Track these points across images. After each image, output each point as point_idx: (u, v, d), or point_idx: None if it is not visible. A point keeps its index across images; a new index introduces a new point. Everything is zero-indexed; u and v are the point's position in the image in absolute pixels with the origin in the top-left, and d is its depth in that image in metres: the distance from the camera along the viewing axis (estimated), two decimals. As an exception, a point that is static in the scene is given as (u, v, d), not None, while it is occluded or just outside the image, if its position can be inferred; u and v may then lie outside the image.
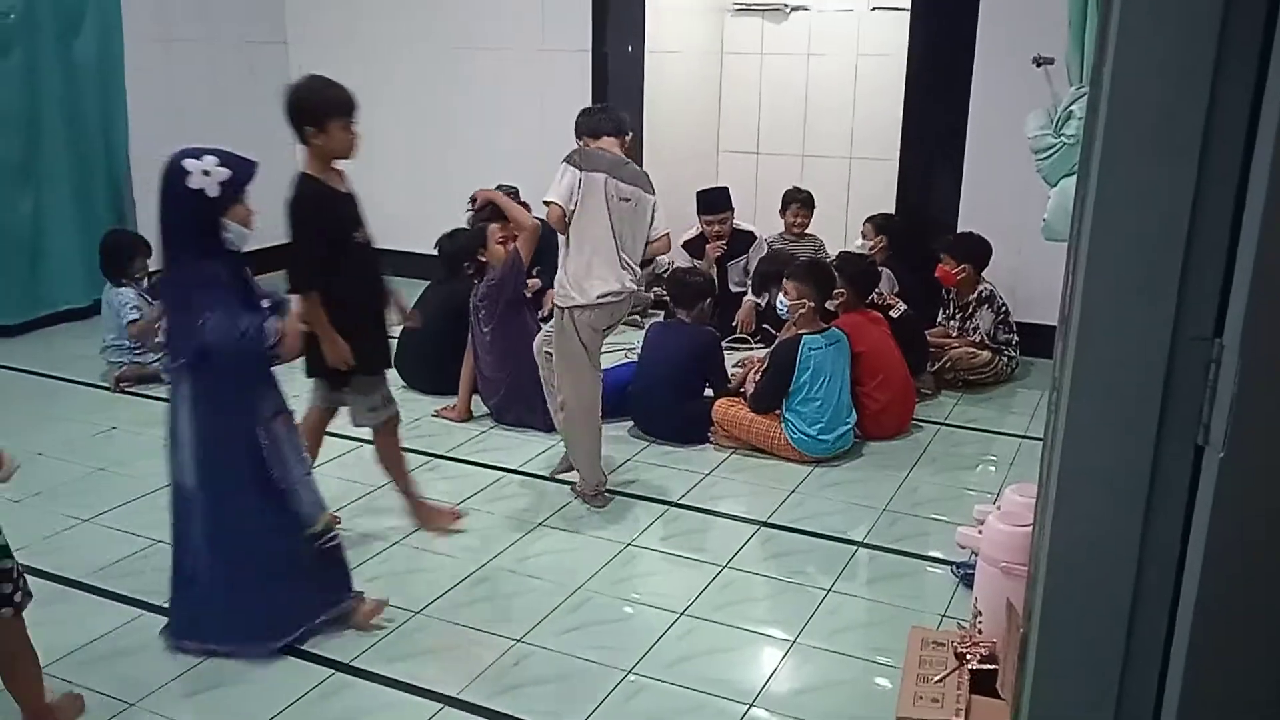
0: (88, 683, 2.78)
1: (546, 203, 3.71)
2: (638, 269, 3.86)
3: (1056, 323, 1.32)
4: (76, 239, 6.05)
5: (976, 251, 5.28)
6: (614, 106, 4.05)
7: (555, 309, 3.81)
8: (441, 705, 2.71)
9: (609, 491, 3.95)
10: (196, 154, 2.70)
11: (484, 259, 4.77)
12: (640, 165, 6.60)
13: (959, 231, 5.47)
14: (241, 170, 2.73)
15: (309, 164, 3.27)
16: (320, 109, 3.18)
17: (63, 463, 4.20)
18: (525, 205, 6.31)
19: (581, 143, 3.85)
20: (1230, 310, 1.12)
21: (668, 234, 4.02)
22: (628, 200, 3.72)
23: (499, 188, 6.29)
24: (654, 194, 3.85)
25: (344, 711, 2.70)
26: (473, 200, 4.71)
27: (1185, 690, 1.19)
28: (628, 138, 3.88)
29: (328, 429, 3.64)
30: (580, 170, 3.66)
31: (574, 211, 3.65)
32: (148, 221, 6.03)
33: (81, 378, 5.22)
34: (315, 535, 2.93)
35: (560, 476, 4.10)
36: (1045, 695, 1.33)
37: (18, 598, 2.43)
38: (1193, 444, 1.18)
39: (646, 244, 3.87)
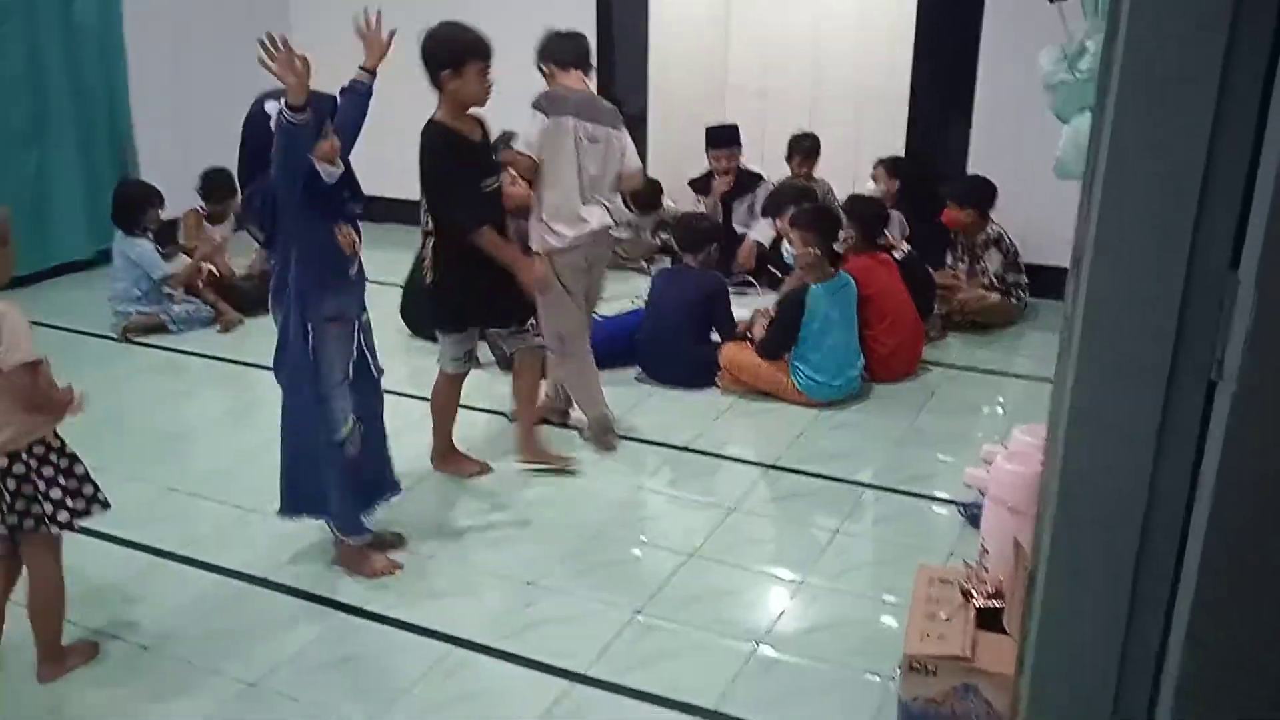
0: (103, 628, 2.82)
1: (518, 152, 3.70)
2: (614, 201, 3.85)
3: (1068, 264, 1.31)
4: (81, 193, 6.04)
5: (982, 194, 5.23)
6: (583, 35, 3.92)
7: (534, 255, 3.79)
8: (452, 646, 2.75)
9: (619, 436, 3.96)
10: (276, 95, 2.69)
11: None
12: (645, 105, 6.57)
13: (966, 175, 5.41)
14: (321, 106, 2.73)
15: (442, 110, 3.27)
16: (459, 52, 3.17)
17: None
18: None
19: (546, 70, 3.80)
20: (1247, 244, 1.11)
21: (640, 168, 4.00)
22: (597, 142, 3.71)
23: (503, 134, 6.25)
24: (624, 129, 3.82)
25: (355, 652, 2.74)
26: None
27: (1192, 626, 1.19)
28: (592, 71, 3.84)
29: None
30: (547, 115, 3.61)
31: (543, 159, 3.63)
32: (152, 173, 6.02)
33: (88, 328, 5.22)
34: (340, 442, 2.97)
35: (551, 419, 4.09)
36: (1053, 631, 1.34)
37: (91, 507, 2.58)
38: (1205, 379, 1.17)
39: (620, 178, 3.85)
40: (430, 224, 3.36)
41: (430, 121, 3.27)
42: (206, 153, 6.17)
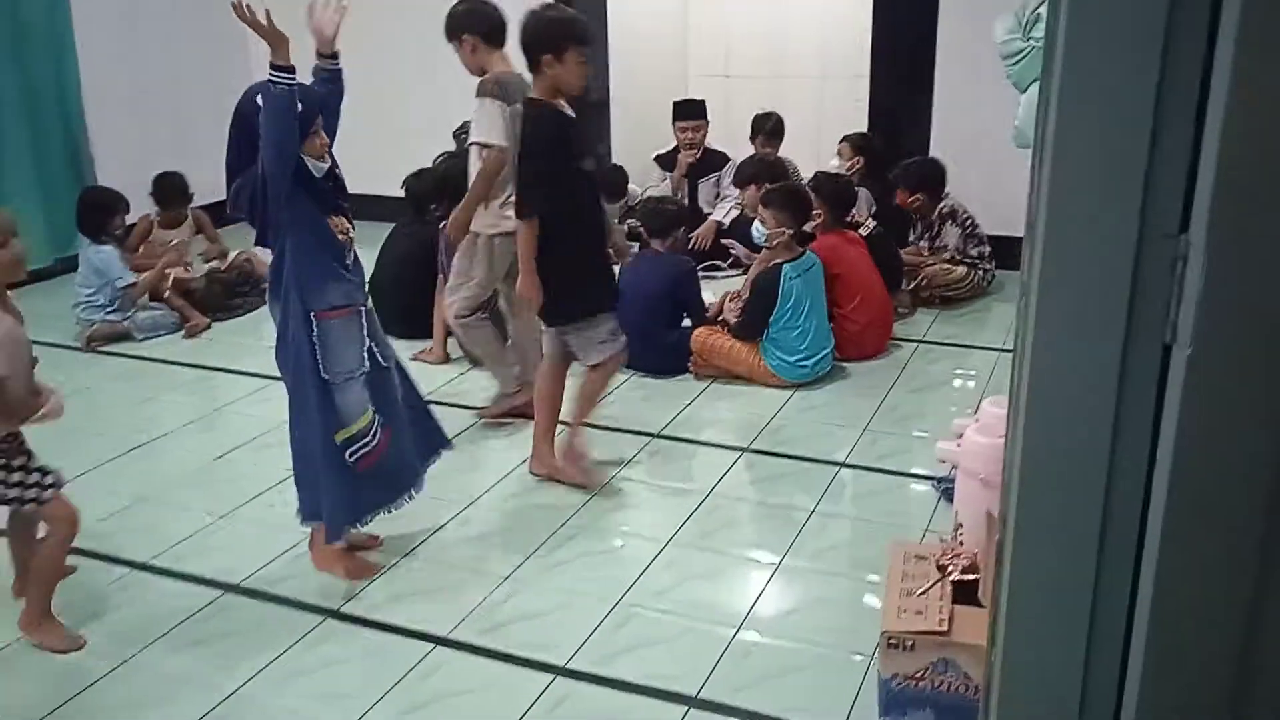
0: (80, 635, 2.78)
1: (485, 146, 3.62)
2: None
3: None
4: (36, 199, 5.90)
5: (927, 176, 5.25)
6: (498, 7, 3.76)
7: (474, 235, 3.78)
8: (433, 645, 2.73)
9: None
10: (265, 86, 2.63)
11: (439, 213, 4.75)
12: (607, 91, 6.54)
13: (909, 159, 5.40)
14: (310, 99, 2.69)
15: (540, 91, 3.22)
16: (561, 37, 3.13)
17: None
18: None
19: (468, 44, 3.68)
20: (1195, 206, 1.10)
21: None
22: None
23: (464, 126, 6.19)
24: None
25: (334, 656, 2.71)
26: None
27: (1159, 584, 1.19)
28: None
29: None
30: (506, 104, 3.57)
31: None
32: (109, 178, 5.93)
33: (52, 338, 5.14)
34: (347, 440, 2.90)
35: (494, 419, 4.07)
36: (1021, 599, 1.34)
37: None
38: (1160, 343, 1.16)
39: None
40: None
41: (534, 100, 3.22)
42: (163, 155, 6.10)
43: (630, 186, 6.40)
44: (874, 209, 5.34)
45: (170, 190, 5.52)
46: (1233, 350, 1.10)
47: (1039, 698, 1.35)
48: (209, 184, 5.31)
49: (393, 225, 5.21)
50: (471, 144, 3.74)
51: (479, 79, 3.69)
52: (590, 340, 3.42)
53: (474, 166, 3.76)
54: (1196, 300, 1.09)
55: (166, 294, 5.26)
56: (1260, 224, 1.06)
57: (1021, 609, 1.33)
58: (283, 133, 2.63)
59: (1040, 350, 1.22)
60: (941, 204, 5.25)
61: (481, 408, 4.15)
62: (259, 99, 2.67)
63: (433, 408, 3.32)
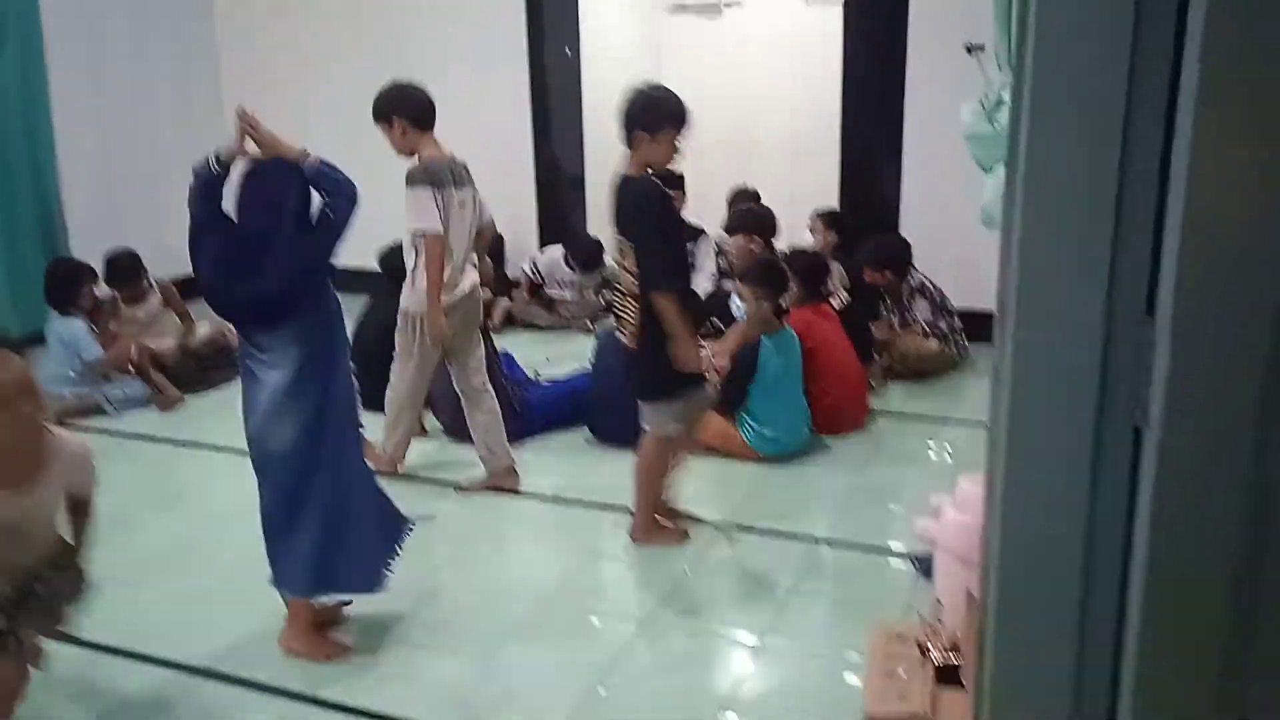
0: (37, 731, 2.69)
1: (425, 234, 3.67)
2: (476, 262, 4.06)
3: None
4: (4, 270, 5.87)
5: (893, 255, 5.35)
6: (424, 89, 3.81)
7: (404, 316, 3.86)
8: (406, 730, 2.66)
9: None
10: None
11: None
12: (582, 167, 6.63)
13: (876, 238, 5.49)
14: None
15: (634, 167, 3.31)
16: (662, 118, 3.23)
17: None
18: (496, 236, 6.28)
19: (398, 128, 3.74)
20: (1160, 290, 1.12)
21: (491, 221, 4.08)
22: (463, 205, 3.81)
23: None
24: (474, 185, 3.90)
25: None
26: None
27: (1140, 667, 1.19)
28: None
29: None
30: (437, 189, 3.66)
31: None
32: (82, 248, 5.91)
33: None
34: None
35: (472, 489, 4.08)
36: (1004, 683, 1.33)
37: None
38: (1132, 425, 1.18)
39: (479, 234, 4.02)
40: (635, 284, 3.26)
41: (633, 178, 3.30)
42: (137, 224, 6.09)
43: (606, 259, 6.46)
44: (846, 282, 5.40)
45: (120, 270, 5.40)
46: (1201, 432, 1.12)
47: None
48: (182, 257, 5.32)
49: (372, 298, 5.21)
50: (412, 232, 3.76)
51: (409, 167, 3.74)
52: (688, 410, 3.44)
53: (410, 254, 3.83)
54: (1164, 383, 1.11)
55: (139, 366, 5.22)
56: (1223, 308, 1.08)
57: (1004, 695, 1.32)
58: (350, 217, 2.79)
59: (1013, 430, 1.23)
60: (909, 278, 5.33)
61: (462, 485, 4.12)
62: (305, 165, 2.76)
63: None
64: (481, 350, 4.10)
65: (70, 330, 5.02)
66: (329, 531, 2.86)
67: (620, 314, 3.38)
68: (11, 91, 5.92)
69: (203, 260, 2.75)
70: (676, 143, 3.27)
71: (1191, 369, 1.08)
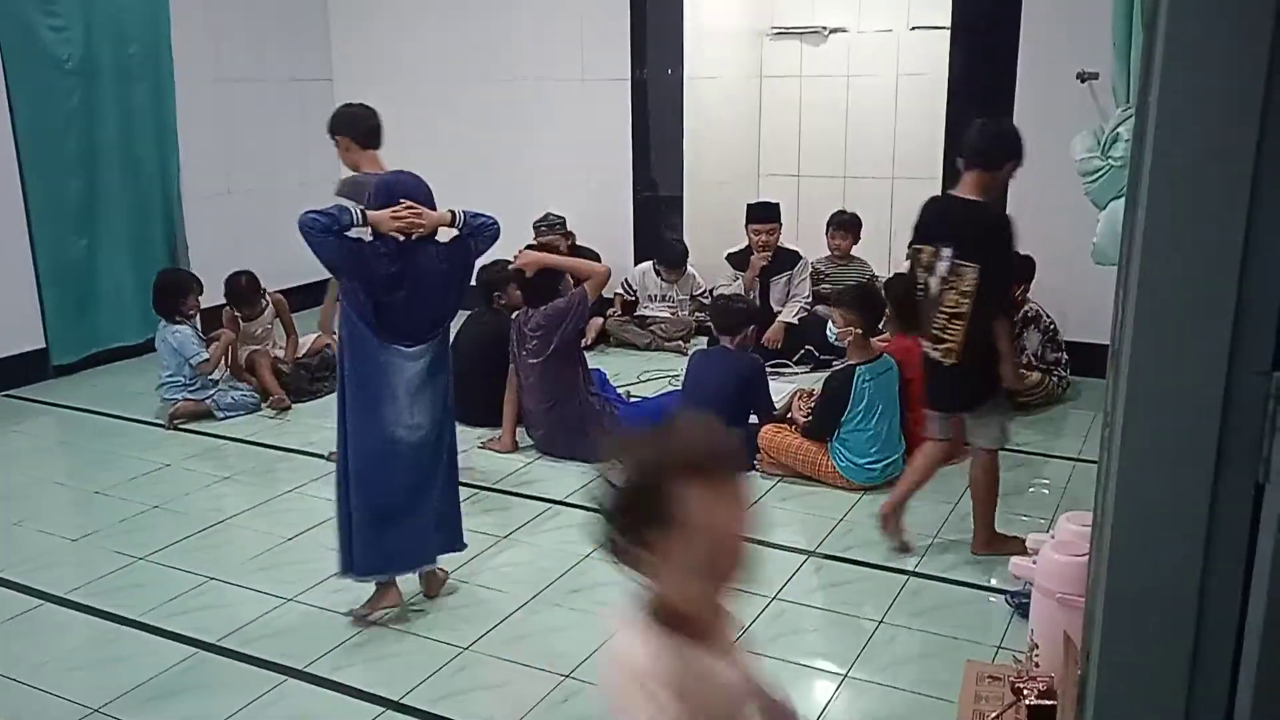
0: (143, 721, 2.81)
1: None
2: None
3: (1109, 343, 1.29)
4: (131, 278, 6.18)
5: (1028, 271, 5.22)
6: (374, 111, 4.21)
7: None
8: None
9: None
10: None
11: (504, 301, 5.01)
12: (681, 189, 6.67)
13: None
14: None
15: (974, 192, 3.43)
16: (1011, 150, 3.43)
17: (120, 501, 4.27)
18: (572, 237, 6.36)
19: (343, 144, 4.10)
20: (1288, 344, 1.08)
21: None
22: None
23: (546, 217, 6.36)
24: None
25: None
26: (518, 272, 4.65)
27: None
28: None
29: None
30: (356, 203, 3.83)
31: None
32: (199, 261, 6.19)
33: (137, 415, 5.31)
34: None
35: None
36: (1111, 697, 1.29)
37: None
38: (1253, 480, 1.13)
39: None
40: (962, 305, 3.38)
41: (984, 204, 3.43)
42: (254, 241, 6.34)
43: (690, 269, 6.46)
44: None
45: (240, 291, 5.65)
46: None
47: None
48: (290, 270, 5.53)
49: (469, 313, 5.33)
50: None
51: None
52: (986, 428, 3.57)
53: None
54: (1291, 439, 1.06)
55: (255, 373, 5.41)
56: (1356, 364, 1.03)
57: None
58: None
59: (1125, 481, 1.20)
60: (1026, 307, 5.21)
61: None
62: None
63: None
64: None
65: (179, 337, 5.23)
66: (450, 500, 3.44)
67: (940, 334, 3.46)
68: (144, 114, 6.25)
69: (370, 284, 3.14)
70: (1014, 172, 3.46)
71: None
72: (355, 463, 3.20)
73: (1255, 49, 1.06)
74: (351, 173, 4.19)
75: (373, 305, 3.14)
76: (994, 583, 3.45)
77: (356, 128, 4.12)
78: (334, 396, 5.34)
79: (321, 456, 4.59)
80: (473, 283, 5.17)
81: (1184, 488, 1.15)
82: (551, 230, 6.29)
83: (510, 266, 4.81)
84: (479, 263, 3.60)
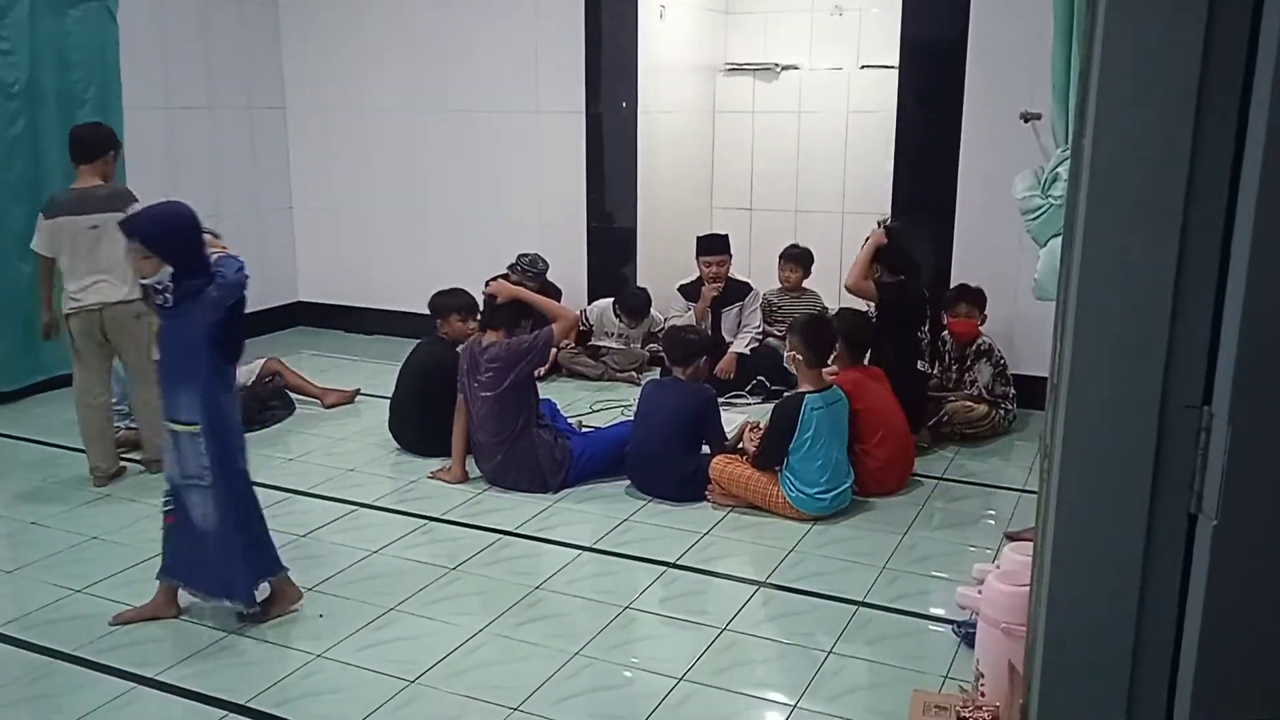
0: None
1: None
2: (125, 282, 4.46)
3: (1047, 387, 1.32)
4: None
5: (983, 300, 5.35)
6: (102, 123, 4.76)
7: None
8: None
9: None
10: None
11: (445, 332, 5.05)
12: (635, 222, 6.71)
13: (957, 286, 5.49)
14: None
15: None
16: None
17: (56, 532, 4.17)
18: (551, 285, 6.38)
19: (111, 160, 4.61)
20: (1218, 378, 1.13)
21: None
22: (93, 228, 4.46)
23: (520, 258, 6.36)
24: (131, 202, 4.41)
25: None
26: (490, 296, 4.73)
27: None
28: (110, 155, 4.57)
29: None
30: (49, 216, 4.49)
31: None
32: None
33: (75, 444, 5.19)
34: None
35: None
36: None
37: None
38: (1186, 511, 1.17)
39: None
40: None
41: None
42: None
43: (654, 312, 6.51)
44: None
45: None
46: (1259, 523, 1.11)
47: None
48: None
49: (418, 341, 5.30)
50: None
51: None
52: None
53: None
54: (1221, 471, 1.10)
55: None
56: (1282, 398, 1.08)
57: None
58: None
59: (1063, 513, 1.23)
60: (979, 340, 5.31)
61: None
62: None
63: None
64: (144, 363, 4.47)
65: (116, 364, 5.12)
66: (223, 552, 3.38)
67: None
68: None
69: None
70: None
71: (1250, 458, 1.08)
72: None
73: (1183, 99, 1.11)
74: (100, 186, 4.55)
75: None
76: (941, 613, 3.48)
77: (71, 146, 4.60)
78: (282, 425, 5.34)
79: (272, 487, 4.53)
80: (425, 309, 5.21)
81: (1120, 518, 1.19)
82: (525, 273, 6.26)
83: (484, 289, 4.83)
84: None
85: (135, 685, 3.09)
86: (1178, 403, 1.15)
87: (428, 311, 5.27)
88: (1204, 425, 1.13)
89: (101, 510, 4.42)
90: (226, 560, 3.33)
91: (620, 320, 6.48)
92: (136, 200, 4.40)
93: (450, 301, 5.12)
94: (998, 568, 2.71)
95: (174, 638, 3.37)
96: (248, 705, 2.98)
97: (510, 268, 6.29)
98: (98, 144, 4.56)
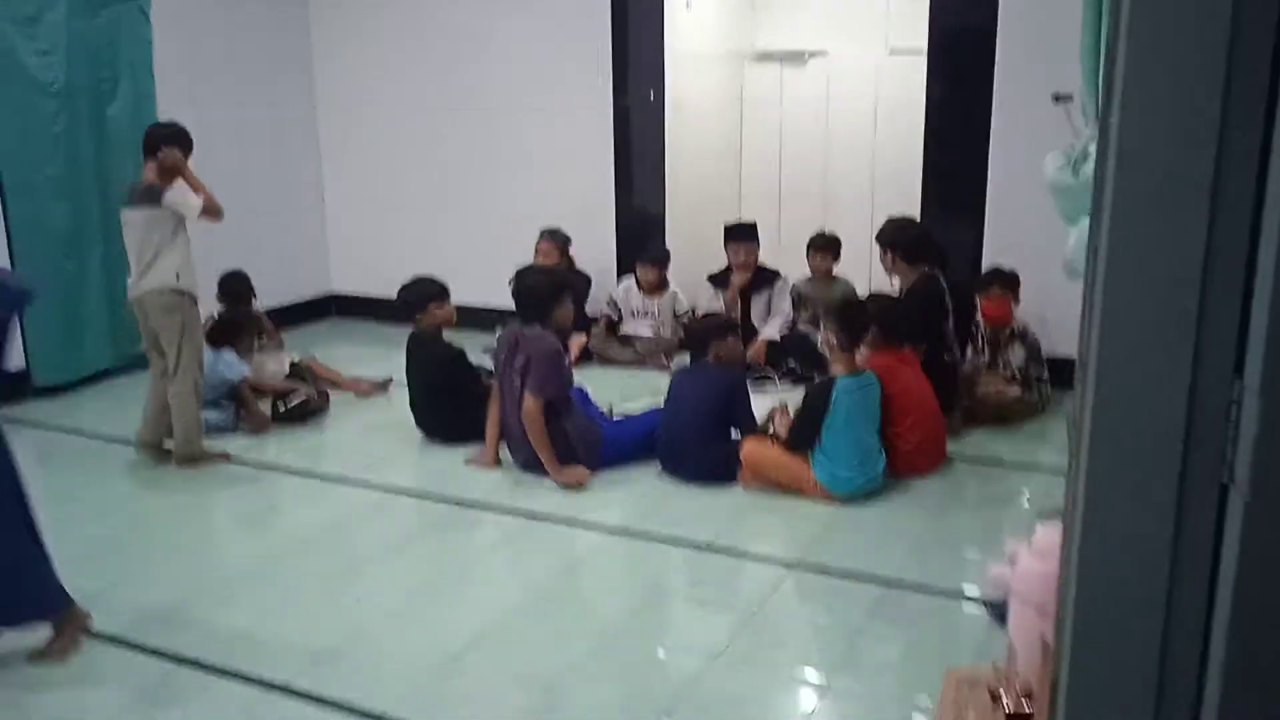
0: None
1: None
2: (158, 268, 4.59)
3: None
4: (109, 301, 6.13)
5: (1016, 283, 5.34)
6: (171, 123, 4.78)
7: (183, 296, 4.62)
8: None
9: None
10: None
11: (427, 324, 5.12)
12: (664, 209, 6.71)
13: (990, 269, 5.47)
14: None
15: None
16: None
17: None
18: (569, 259, 6.43)
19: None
20: (1249, 350, 1.13)
21: (195, 205, 4.59)
22: (129, 224, 4.63)
23: (554, 231, 6.43)
24: (160, 199, 4.53)
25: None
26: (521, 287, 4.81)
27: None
28: (159, 153, 4.60)
29: None
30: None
31: None
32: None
33: (120, 433, 5.29)
34: None
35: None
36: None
37: None
38: (1218, 484, 1.18)
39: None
40: None
41: None
42: (230, 264, 6.34)
43: (673, 289, 6.47)
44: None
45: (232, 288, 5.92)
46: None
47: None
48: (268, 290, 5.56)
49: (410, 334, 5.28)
50: None
51: None
52: None
53: None
54: (1252, 443, 1.11)
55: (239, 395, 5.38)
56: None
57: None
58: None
59: (1093, 489, 1.24)
60: (1013, 322, 5.30)
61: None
62: None
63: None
64: (184, 358, 4.64)
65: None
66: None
67: None
68: (123, 135, 6.12)
69: None
70: None
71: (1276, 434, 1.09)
72: None
73: (1211, 73, 1.12)
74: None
75: None
76: (974, 593, 3.49)
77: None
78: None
79: (307, 475, 4.60)
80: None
81: (1151, 492, 1.20)
82: (551, 241, 6.34)
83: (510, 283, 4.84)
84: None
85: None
86: (1210, 375, 1.16)
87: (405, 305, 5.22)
88: (1236, 397, 1.14)
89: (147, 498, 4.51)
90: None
91: (641, 290, 6.44)
92: (158, 196, 4.51)
93: (425, 290, 5.13)
94: (1030, 546, 2.71)
95: None
96: (290, 686, 3.04)
97: (541, 237, 6.38)
98: (150, 141, 4.66)
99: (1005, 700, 2.35)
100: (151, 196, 4.54)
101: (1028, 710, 2.32)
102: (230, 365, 5.27)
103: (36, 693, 2.99)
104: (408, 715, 2.88)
